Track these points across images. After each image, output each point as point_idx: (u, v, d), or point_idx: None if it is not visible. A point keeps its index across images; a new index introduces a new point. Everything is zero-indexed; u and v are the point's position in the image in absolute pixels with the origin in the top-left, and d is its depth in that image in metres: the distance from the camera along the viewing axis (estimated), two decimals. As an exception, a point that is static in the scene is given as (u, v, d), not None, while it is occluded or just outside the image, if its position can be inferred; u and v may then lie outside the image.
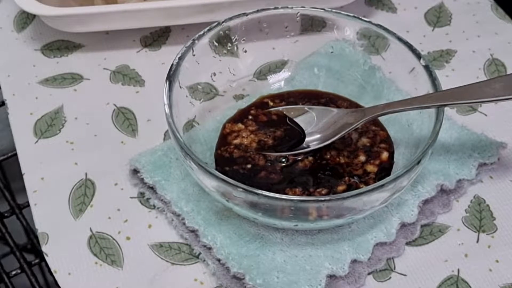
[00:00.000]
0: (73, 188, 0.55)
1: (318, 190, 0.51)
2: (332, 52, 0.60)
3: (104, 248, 0.52)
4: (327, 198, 0.46)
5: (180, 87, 0.53)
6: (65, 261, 0.51)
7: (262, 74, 0.60)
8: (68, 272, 0.51)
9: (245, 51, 0.59)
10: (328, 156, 0.54)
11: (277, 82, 0.60)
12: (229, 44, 0.58)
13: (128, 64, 0.64)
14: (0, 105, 0.63)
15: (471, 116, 0.60)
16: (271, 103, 0.58)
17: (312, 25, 0.59)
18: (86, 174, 0.56)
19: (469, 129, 0.57)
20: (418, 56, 0.54)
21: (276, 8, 0.57)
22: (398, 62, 0.55)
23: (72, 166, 0.57)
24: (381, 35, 0.56)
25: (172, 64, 0.53)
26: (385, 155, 0.54)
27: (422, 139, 0.51)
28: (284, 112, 0.56)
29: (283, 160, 0.53)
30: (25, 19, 0.68)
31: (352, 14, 0.57)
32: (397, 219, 0.52)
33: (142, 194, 0.55)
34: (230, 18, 0.57)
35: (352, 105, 0.57)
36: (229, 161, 0.53)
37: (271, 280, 0.49)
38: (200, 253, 0.51)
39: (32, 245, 0.72)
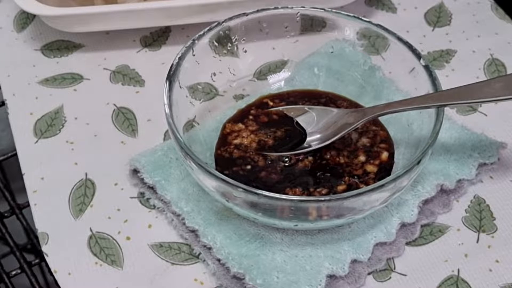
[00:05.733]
0: (73, 188, 0.55)
1: (318, 190, 0.51)
2: (332, 52, 0.60)
3: (104, 248, 0.52)
4: (327, 198, 0.46)
5: (180, 87, 0.53)
6: (65, 261, 0.51)
7: (262, 74, 0.60)
8: (68, 272, 0.51)
9: (245, 51, 0.59)
10: (328, 156, 0.54)
11: (277, 82, 0.60)
12: (229, 44, 0.58)
13: (128, 64, 0.64)
14: (0, 105, 0.63)
15: (471, 116, 0.60)
16: (271, 103, 0.58)
17: (312, 25, 0.59)
18: (86, 174, 0.56)
19: (469, 129, 0.57)
20: (418, 56, 0.54)
21: (276, 8, 0.57)
22: (398, 62, 0.55)
23: (72, 166, 0.57)
24: (381, 35, 0.56)
25: (172, 64, 0.53)
26: (385, 155, 0.54)
27: (422, 139, 0.51)
28: (285, 112, 0.56)
29: (286, 160, 0.53)
30: (25, 19, 0.68)
31: (352, 14, 0.57)
32: (397, 219, 0.52)
33: (142, 194, 0.55)
34: (230, 18, 0.57)
35: (352, 105, 0.57)
36: (229, 161, 0.53)
37: (271, 280, 0.49)
38: (200, 253, 0.51)
39: (32, 245, 0.72)
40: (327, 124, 0.54)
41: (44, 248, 0.52)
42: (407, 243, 0.52)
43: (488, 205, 0.54)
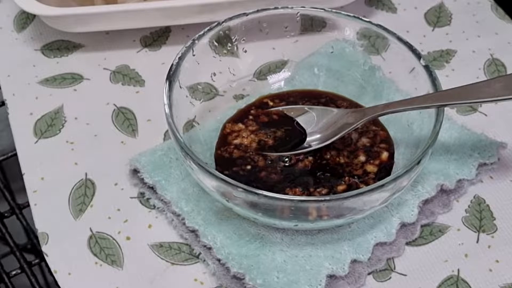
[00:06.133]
0: (73, 188, 0.55)
1: (318, 190, 0.51)
2: (332, 52, 0.60)
3: (104, 248, 0.52)
4: (327, 198, 0.46)
5: (180, 87, 0.53)
6: (65, 261, 0.51)
7: (262, 74, 0.60)
8: (68, 272, 0.51)
9: (245, 51, 0.59)
10: (328, 156, 0.54)
11: (277, 82, 0.60)
12: (229, 44, 0.58)
13: (128, 64, 0.64)
14: (0, 105, 0.63)
15: (471, 116, 0.60)
16: (271, 103, 0.58)
17: (312, 25, 0.59)
18: (86, 174, 0.56)
19: (469, 129, 0.57)
20: (418, 56, 0.54)
21: (276, 8, 0.57)
22: (398, 62, 0.55)
23: (72, 166, 0.57)
24: (381, 35, 0.56)
25: (172, 64, 0.53)
26: (385, 155, 0.54)
27: (422, 139, 0.51)
28: (285, 112, 0.56)
29: (286, 160, 0.53)
30: (25, 19, 0.68)
31: (352, 14, 0.57)
32: (397, 219, 0.52)
33: (142, 194, 0.55)
34: (230, 18, 0.57)
35: (352, 105, 0.57)
36: (229, 161, 0.53)
37: (271, 280, 0.49)
38: (200, 253, 0.51)
39: (32, 245, 0.72)
40: (327, 124, 0.54)
41: (44, 248, 0.52)
42: (407, 243, 0.52)
43: (488, 205, 0.54)
